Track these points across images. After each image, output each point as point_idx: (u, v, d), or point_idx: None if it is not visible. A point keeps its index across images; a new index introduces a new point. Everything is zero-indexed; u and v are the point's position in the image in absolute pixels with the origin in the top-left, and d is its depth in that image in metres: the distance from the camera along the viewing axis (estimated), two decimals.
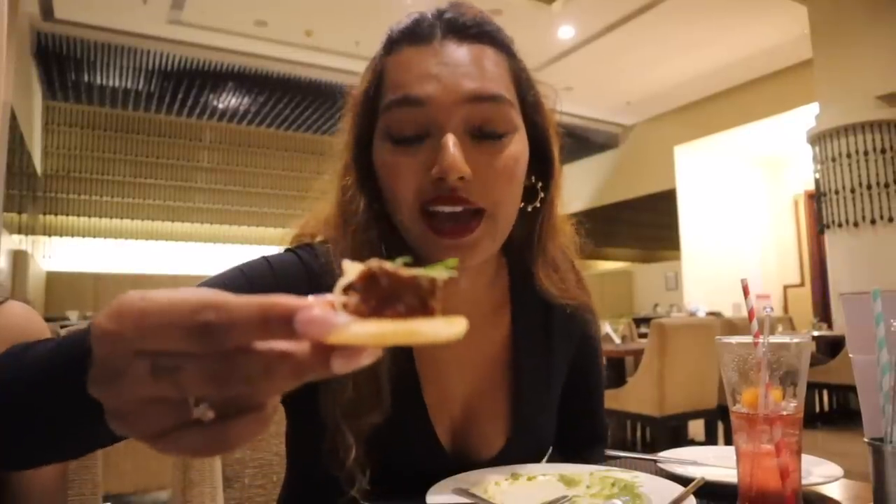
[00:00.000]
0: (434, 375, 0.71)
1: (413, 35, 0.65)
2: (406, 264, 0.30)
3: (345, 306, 0.28)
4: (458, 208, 0.61)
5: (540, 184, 0.71)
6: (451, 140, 0.59)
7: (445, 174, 0.59)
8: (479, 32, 0.65)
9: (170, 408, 0.28)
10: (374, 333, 0.26)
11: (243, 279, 0.65)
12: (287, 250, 0.71)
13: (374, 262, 0.29)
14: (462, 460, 0.71)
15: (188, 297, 0.27)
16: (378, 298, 0.28)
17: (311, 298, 0.27)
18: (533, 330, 0.78)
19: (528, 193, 0.70)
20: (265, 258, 0.69)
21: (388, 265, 0.29)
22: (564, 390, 0.84)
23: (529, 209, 0.71)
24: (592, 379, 0.88)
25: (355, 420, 0.62)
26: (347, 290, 0.29)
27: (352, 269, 0.29)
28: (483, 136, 0.63)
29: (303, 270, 0.68)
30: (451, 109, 0.61)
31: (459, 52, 0.63)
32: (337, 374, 0.27)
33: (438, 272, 0.29)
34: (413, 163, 0.62)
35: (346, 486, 0.63)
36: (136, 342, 0.27)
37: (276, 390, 0.28)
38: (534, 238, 0.73)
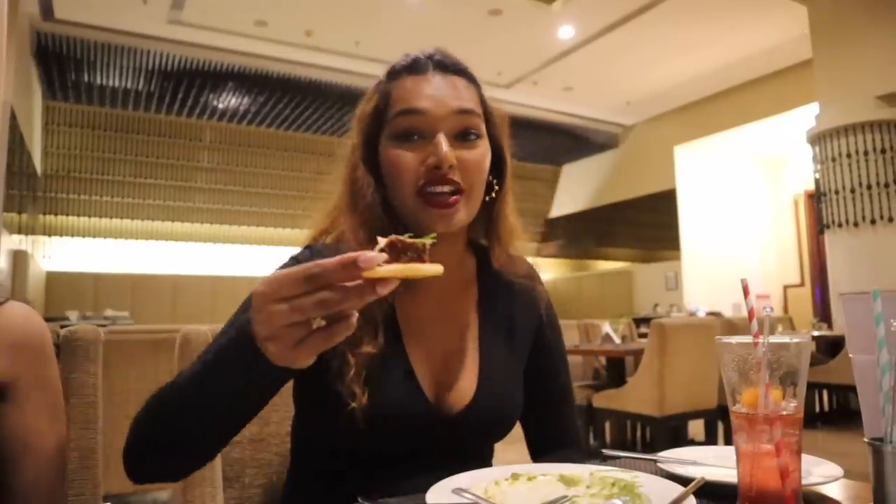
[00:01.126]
0: (416, 335, 0.89)
1: (411, 68, 0.89)
2: (410, 236, 0.56)
3: None
4: (447, 188, 0.83)
5: (495, 180, 0.94)
6: (443, 139, 0.82)
7: (440, 163, 0.81)
8: (456, 69, 0.90)
9: (299, 327, 0.53)
10: (394, 269, 0.52)
11: None
12: (291, 258, 0.86)
13: (394, 237, 0.55)
14: (440, 406, 0.85)
15: (300, 266, 0.52)
16: (396, 254, 0.54)
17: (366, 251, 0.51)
18: (496, 303, 0.97)
19: (487, 188, 0.92)
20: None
21: (401, 238, 0.55)
22: (530, 373, 0.97)
23: (487, 199, 0.93)
24: (554, 361, 1.01)
25: (355, 347, 0.81)
26: (381, 251, 0.53)
27: (382, 241, 0.55)
28: (463, 139, 0.85)
29: None
30: (441, 119, 0.84)
31: (445, 81, 0.87)
32: (380, 295, 0.51)
33: (428, 240, 0.56)
34: (414, 156, 0.83)
35: (348, 397, 0.78)
36: (277, 294, 0.52)
37: (354, 307, 0.52)
38: (490, 219, 0.95)
